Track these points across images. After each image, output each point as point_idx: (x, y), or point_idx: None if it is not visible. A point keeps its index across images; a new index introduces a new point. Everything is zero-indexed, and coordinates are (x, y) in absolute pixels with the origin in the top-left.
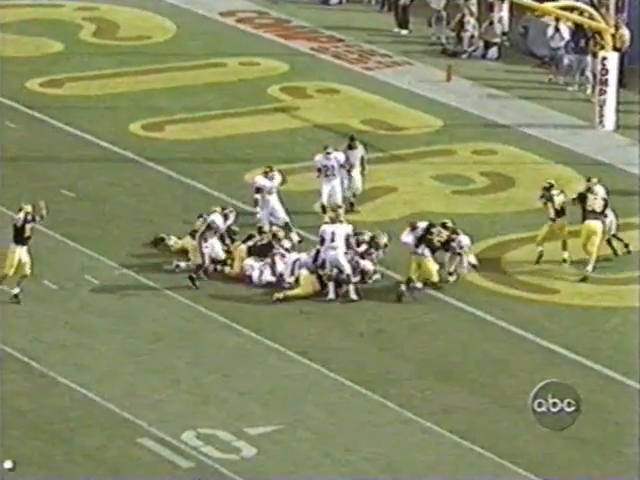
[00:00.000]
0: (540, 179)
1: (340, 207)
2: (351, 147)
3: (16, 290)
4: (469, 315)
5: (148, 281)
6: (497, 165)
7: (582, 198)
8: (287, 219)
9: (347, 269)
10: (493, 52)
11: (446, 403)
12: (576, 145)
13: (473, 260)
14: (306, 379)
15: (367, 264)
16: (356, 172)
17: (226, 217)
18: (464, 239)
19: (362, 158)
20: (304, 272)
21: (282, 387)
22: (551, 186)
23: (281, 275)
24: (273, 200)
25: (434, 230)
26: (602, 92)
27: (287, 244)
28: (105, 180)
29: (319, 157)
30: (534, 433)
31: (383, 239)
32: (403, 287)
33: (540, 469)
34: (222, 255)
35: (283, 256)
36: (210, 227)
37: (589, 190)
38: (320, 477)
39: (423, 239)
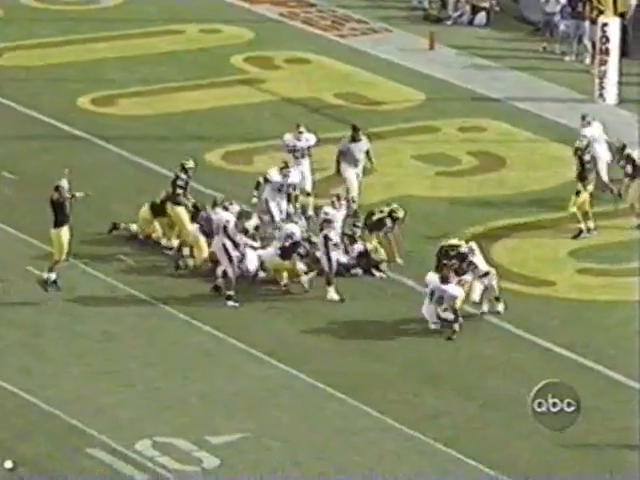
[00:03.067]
0: (534, 159)
1: (309, 194)
2: (354, 139)
3: (53, 276)
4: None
5: (99, 273)
6: (486, 143)
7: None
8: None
9: (324, 261)
10: (481, 18)
11: (431, 408)
12: (574, 121)
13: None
14: (275, 381)
15: (339, 256)
16: (360, 170)
17: (226, 210)
18: (480, 264)
19: (368, 152)
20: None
21: (248, 391)
22: (624, 145)
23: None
24: (280, 198)
25: (451, 252)
26: (602, 62)
27: (256, 244)
28: (50, 160)
29: (289, 137)
30: (529, 440)
31: (400, 212)
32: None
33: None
34: (253, 268)
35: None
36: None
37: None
38: None
39: (442, 267)
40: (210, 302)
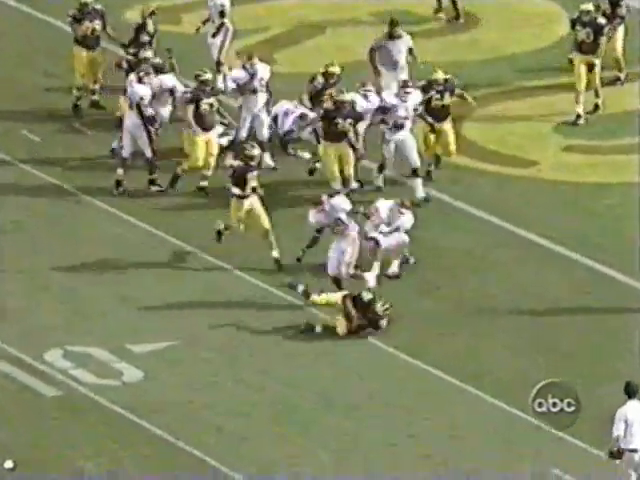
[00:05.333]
0: (512, 17)
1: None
2: (392, 36)
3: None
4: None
5: (5, 156)
6: None
7: None
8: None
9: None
10: None
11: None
12: None
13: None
14: (208, 281)
15: None
16: (402, 74)
17: (140, 81)
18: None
19: (411, 50)
20: None
21: (176, 291)
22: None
23: None
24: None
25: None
26: None
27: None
28: None
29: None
30: (504, 344)
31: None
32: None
33: (512, 393)
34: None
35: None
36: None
37: None
38: (225, 409)
39: None
40: (137, 190)
